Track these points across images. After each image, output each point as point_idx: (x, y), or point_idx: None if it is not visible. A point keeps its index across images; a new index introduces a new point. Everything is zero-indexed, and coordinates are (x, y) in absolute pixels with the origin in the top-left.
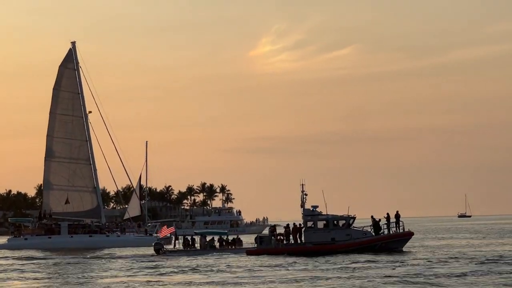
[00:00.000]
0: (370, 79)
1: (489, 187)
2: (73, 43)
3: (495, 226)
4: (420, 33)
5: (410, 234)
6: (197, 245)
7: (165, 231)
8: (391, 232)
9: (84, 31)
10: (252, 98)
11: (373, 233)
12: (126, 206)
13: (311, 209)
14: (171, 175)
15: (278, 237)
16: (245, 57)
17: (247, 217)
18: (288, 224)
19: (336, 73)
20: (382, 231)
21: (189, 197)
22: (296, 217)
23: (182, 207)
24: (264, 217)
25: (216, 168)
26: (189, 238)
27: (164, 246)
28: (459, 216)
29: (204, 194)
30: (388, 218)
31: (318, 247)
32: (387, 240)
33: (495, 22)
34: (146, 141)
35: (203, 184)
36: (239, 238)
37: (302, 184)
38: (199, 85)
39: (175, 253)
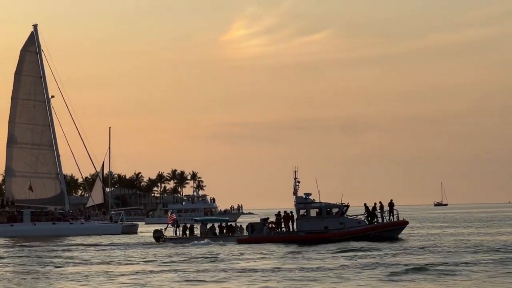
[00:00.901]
0: (344, 64)
1: (465, 175)
2: (35, 26)
3: (481, 215)
4: (396, 18)
5: (404, 223)
6: (197, 233)
7: (171, 218)
8: (385, 221)
9: (47, 14)
10: (225, 83)
11: (367, 222)
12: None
13: (304, 196)
14: (141, 162)
15: (270, 225)
16: (218, 41)
17: (221, 205)
18: (279, 212)
19: (310, 58)
20: (376, 219)
21: (159, 184)
22: (272, 204)
23: (152, 194)
24: (238, 205)
25: (187, 154)
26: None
27: (164, 234)
28: (436, 205)
29: (175, 181)
30: (381, 206)
31: (311, 236)
32: (381, 229)
33: (471, 8)
34: (110, 127)
35: (174, 171)
36: (241, 226)
37: (295, 171)
38: (170, 71)
39: (175, 240)
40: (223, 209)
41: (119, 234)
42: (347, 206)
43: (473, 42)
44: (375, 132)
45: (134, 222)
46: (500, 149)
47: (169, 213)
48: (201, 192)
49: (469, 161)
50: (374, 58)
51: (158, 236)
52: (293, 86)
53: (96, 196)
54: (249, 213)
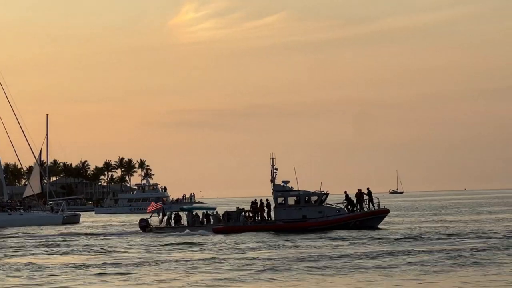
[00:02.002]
0: (300, 48)
1: (420, 162)
2: None
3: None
4: (351, 0)
5: (385, 212)
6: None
7: (153, 207)
8: (364, 210)
9: None
10: (173, 69)
11: (347, 210)
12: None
13: (282, 184)
14: (88, 150)
15: (247, 214)
16: (166, 26)
17: (172, 194)
18: (255, 200)
19: (264, 42)
20: (356, 208)
21: (106, 173)
22: (224, 193)
23: (99, 183)
24: (191, 194)
25: (135, 142)
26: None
27: (150, 223)
28: (391, 193)
29: (122, 169)
30: (360, 194)
31: (289, 225)
32: (362, 217)
33: None
34: (47, 115)
35: (121, 159)
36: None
37: (272, 158)
38: (117, 56)
39: (161, 230)
40: (175, 198)
41: (60, 225)
42: (327, 195)
43: (429, 25)
44: (330, 118)
45: (76, 212)
46: (456, 136)
47: (120, 202)
48: (150, 181)
49: (424, 148)
50: (329, 41)
51: (144, 226)
52: (246, 71)
53: (34, 186)
54: (199, 202)
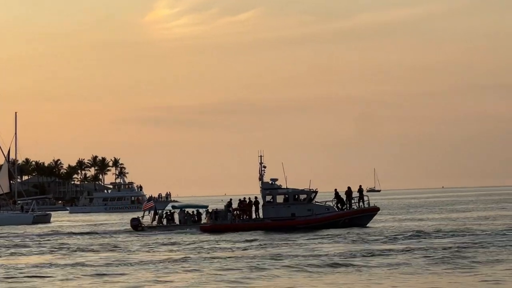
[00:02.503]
0: (276, 44)
1: (398, 160)
2: None
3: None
4: None
5: (375, 210)
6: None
7: (147, 206)
8: (354, 207)
9: None
10: (149, 66)
11: (337, 209)
12: None
13: (270, 182)
14: (61, 148)
15: (235, 212)
16: (141, 22)
17: (147, 193)
18: (244, 198)
19: (239, 38)
20: (345, 206)
21: (79, 171)
22: (201, 192)
23: (73, 182)
24: (167, 193)
25: (109, 140)
26: (163, 213)
27: (142, 222)
28: (368, 191)
29: (96, 168)
30: (349, 192)
31: (277, 223)
32: (351, 215)
33: None
34: (15, 112)
35: (95, 158)
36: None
37: (260, 156)
38: (90, 53)
39: (153, 229)
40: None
41: (30, 224)
42: (316, 192)
43: (403, 21)
44: (304, 115)
45: (46, 212)
46: (434, 133)
47: (94, 201)
48: (125, 180)
49: (402, 145)
50: (305, 37)
51: (136, 225)
52: (221, 68)
53: (3, 185)
54: (175, 201)
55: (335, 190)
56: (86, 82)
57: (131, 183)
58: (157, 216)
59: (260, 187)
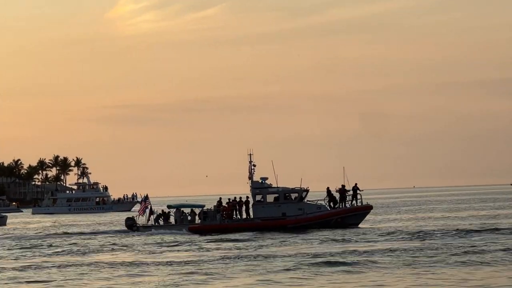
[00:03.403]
0: (241, 41)
1: (369, 159)
2: None
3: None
4: None
5: (368, 208)
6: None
7: (142, 208)
8: (347, 206)
9: None
10: (112, 62)
11: (328, 208)
12: None
13: (260, 181)
14: (21, 148)
15: (224, 212)
16: (103, 18)
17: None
18: (235, 198)
19: (204, 35)
20: (338, 204)
21: (40, 171)
22: (167, 192)
23: (33, 182)
24: (133, 194)
25: (70, 139)
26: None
27: (137, 222)
28: (337, 191)
29: (58, 168)
30: (343, 190)
31: (268, 223)
32: (343, 214)
33: None
34: None
35: (56, 157)
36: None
37: (250, 154)
38: (52, 50)
39: (148, 228)
40: (116, 198)
41: None
42: (307, 191)
43: (375, 16)
44: (270, 113)
45: (2, 214)
46: (407, 131)
47: (58, 202)
48: (86, 180)
49: (373, 143)
50: (272, 33)
51: (131, 224)
52: (186, 64)
53: None
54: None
55: (327, 188)
56: (47, 79)
57: (96, 183)
58: (152, 216)
59: (250, 186)
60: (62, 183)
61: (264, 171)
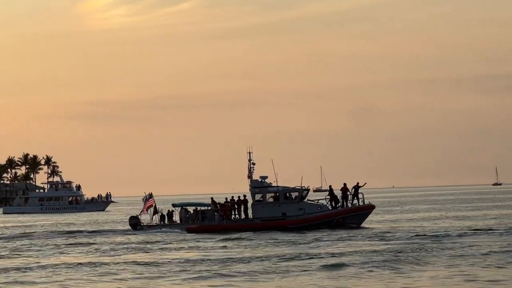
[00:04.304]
0: (216, 36)
1: (345, 158)
2: None
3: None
4: None
5: (371, 208)
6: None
7: (146, 207)
8: (349, 205)
9: None
10: (84, 57)
11: (330, 207)
12: None
13: (260, 180)
14: None
15: (222, 213)
16: (75, 12)
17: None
18: (232, 197)
19: (178, 30)
20: (339, 204)
21: (9, 170)
22: (141, 191)
23: (2, 181)
24: (107, 193)
25: (40, 137)
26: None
27: (142, 221)
28: (315, 191)
29: (27, 166)
30: (345, 189)
31: (268, 223)
32: (345, 214)
33: None
34: None
35: (26, 155)
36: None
37: (249, 152)
38: (21, 45)
39: (153, 227)
40: (90, 198)
41: None
42: (308, 190)
43: (350, 11)
44: (253, 109)
45: None
46: (386, 128)
47: (29, 201)
48: (56, 179)
49: (351, 141)
50: (247, 28)
51: (135, 223)
52: (159, 60)
53: None
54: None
55: (330, 187)
56: (17, 75)
57: (69, 182)
58: (157, 215)
59: (249, 185)
60: (32, 182)
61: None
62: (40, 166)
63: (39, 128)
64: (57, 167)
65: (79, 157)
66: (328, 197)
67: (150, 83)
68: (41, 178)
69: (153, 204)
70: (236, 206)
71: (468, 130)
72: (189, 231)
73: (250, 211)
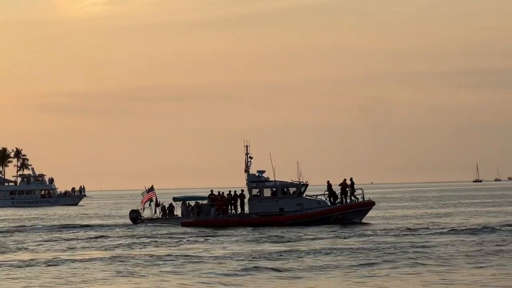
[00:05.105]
0: (193, 26)
1: (322, 153)
2: None
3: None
4: None
5: (371, 204)
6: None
7: (146, 198)
8: (347, 202)
9: None
10: (55, 48)
11: (329, 203)
12: None
13: (257, 174)
14: None
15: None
16: (48, 0)
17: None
18: (230, 191)
19: (154, 20)
20: (338, 200)
21: None
22: (114, 185)
23: None
24: (81, 186)
25: (9, 129)
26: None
27: (142, 215)
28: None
29: None
30: (344, 185)
31: (265, 219)
32: (344, 210)
33: None
34: None
35: None
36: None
37: (246, 146)
38: None
39: (153, 221)
40: (63, 191)
41: None
42: (306, 185)
43: (336, 3)
44: (220, 103)
45: None
46: (360, 123)
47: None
48: (26, 172)
49: (330, 137)
50: (228, 19)
51: (136, 217)
52: (135, 51)
53: None
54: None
55: (328, 182)
56: None
57: (42, 175)
58: (158, 208)
59: (246, 179)
60: (0, 175)
61: (217, 158)
62: (9, 159)
63: (9, 119)
64: (27, 160)
65: (51, 149)
66: (327, 192)
67: (125, 74)
68: (10, 172)
69: (154, 198)
70: (233, 201)
71: (450, 126)
72: (184, 225)
73: (246, 206)
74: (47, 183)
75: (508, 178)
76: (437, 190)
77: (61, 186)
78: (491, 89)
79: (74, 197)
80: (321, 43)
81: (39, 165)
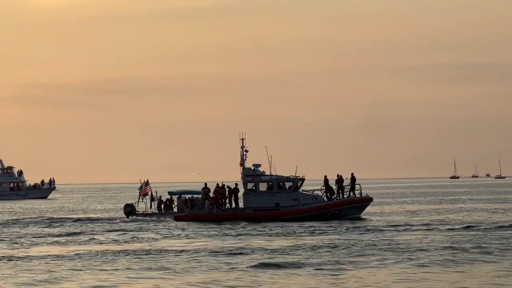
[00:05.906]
0: (164, 17)
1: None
2: None
3: None
4: None
5: (368, 200)
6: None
7: (143, 192)
8: (345, 197)
9: None
10: (25, 37)
11: (325, 198)
12: None
13: (253, 168)
14: None
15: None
16: None
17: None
18: (223, 184)
19: (125, 10)
20: (335, 195)
21: None
22: (83, 178)
23: None
24: (50, 179)
25: None
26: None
27: (136, 209)
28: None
29: None
30: (340, 180)
31: (260, 214)
32: (341, 206)
33: None
34: None
35: None
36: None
37: (242, 139)
38: None
39: (147, 216)
40: (32, 184)
41: None
42: (303, 180)
43: None
44: (196, 96)
45: None
46: (346, 118)
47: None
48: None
49: (301, 131)
50: (199, 9)
51: (130, 211)
52: (106, 41)
53: None
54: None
55: (325, 177)
56: None
57: (11, 167)
58: (153, 203)
59: (241, 173)
60: None
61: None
62: None
63: None
64: None
65: (19, 141)
66: (324, 188)
67: (95, 66)
68: None
69: (149, 192)
70: (228, 195)
71: (428, 121)
72: (177, 220)
73: (240, 201)
74: (16, 175)
75: (486, 174)
76: (410, 186)
77: (30, 178)
78: (470, 84)
79: (43, 190)
80: (317, 35)
81: (7, 157)
